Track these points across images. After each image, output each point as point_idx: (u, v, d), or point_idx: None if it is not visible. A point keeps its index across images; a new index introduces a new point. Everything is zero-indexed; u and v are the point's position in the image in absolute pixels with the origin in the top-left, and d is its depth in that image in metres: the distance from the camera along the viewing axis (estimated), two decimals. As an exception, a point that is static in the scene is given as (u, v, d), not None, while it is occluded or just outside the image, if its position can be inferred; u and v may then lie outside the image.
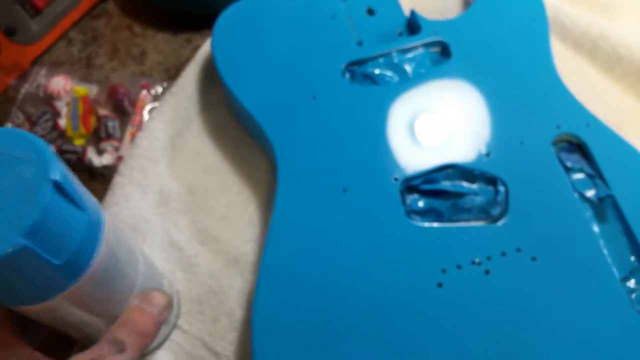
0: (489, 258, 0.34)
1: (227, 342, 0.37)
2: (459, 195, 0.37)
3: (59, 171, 0.24)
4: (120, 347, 0.30)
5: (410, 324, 0.33)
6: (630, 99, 0.45)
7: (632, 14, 0.49)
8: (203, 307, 0.38)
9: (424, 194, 0.37)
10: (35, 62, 0.49)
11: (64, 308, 0.27)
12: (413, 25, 0.44)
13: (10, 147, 0.24)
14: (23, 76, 0.48)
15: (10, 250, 0.22)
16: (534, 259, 0.34)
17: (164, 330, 0.36)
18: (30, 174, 0.23)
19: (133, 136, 0.44)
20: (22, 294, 0.26)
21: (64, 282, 0.26)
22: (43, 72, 0.48)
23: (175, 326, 0.37)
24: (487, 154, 0.38)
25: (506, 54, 0.42)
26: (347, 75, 0.42)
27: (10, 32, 0.45)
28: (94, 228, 0.27)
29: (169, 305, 0.34)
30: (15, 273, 0.24)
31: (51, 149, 0.25)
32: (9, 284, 0.25)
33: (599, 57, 0.46)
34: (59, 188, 0.24)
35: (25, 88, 0.47)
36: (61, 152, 0.44)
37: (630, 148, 0.38)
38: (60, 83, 0.46)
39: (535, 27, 0.44)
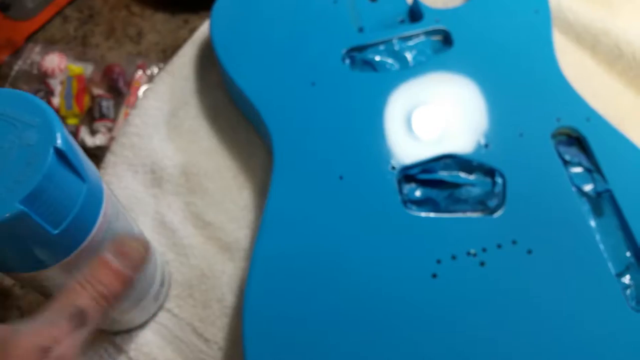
0: (484, 250, 0.34)
1: (217, 328, 0.36)
2: (456, 185, 0.37)
3: (63, 139, 0.23)
4: (80, 319, 0.24)
5: (403, 314, 0.32)
6: (630, 95, 0.44)
7: (634, 11, 0.48)
8: (193, 292, 0.37)
9: (421, 183, 0.37)
10: (29, 38, 0.48)
11: (57, 277, 0.27)
12: (415, 12, 0.43)
13: (16, 109, 0.24)
14: (16, 53, 0.47)
15: (7, 215, 0.21)
16: (529, 251, 0.34)
17: (151, 307, 0.35)
18: (33, 139, 0.23)
19: (127, 116, 0.44)
20: (14, 262, 0.25)
21: (60, 252, 0.25)
22: (37, 49, 0.47)
23: (162, 307, 0.37)
24: (486, 145, 0.38)
25: (508, 45, 0.42)
26: (347, 61, 0.41)
27: (4, 7, 0.45)
28: (94, 200, 0.26)
29: (144, 259, 0.28)
30: (10, 240, 0.23)
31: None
32: (3, 250, 0.24)
33: (600, 52, 0.46)
34: (62, 156, 0.23)
35: (19, 65, 0.46)
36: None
37: (629, 144, 0.38)
38: (54, 61, 0.46)
39: (538, 19, 0.43)
